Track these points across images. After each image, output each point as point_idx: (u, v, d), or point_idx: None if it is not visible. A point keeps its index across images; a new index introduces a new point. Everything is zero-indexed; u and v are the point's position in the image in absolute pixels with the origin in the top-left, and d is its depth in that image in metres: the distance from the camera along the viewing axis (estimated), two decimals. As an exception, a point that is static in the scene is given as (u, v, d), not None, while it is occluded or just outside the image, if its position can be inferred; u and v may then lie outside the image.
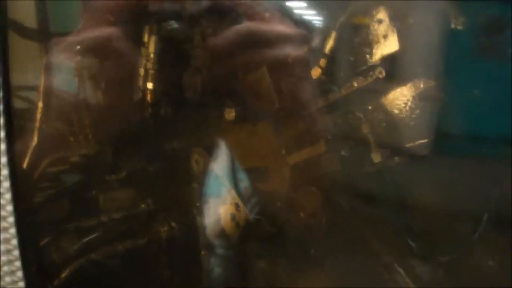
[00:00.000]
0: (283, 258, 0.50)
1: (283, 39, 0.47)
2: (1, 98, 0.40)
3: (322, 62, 0.48)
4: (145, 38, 0.47)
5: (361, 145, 0.49)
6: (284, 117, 0.49)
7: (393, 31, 0.47)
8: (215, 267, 0.53)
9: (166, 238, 0.49)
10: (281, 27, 0.48)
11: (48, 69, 0.48)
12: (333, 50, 0.48)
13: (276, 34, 0.47)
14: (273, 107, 0.47)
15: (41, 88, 0.46)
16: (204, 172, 0.50)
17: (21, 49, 0.47)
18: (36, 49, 0.46)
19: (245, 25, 0.48)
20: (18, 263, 0.43)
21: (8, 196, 0.41)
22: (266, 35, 0.47)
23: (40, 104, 0.45)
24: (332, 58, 0.48)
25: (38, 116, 0.45)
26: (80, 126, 0.48)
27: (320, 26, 0.49)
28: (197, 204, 0.50)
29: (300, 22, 0.49)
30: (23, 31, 0.47)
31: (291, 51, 0.47)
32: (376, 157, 0.48)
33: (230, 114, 0.48)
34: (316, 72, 0.48)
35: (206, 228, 0.51)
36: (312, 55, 0.48)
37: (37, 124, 0.44)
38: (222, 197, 0.50)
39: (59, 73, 0.50)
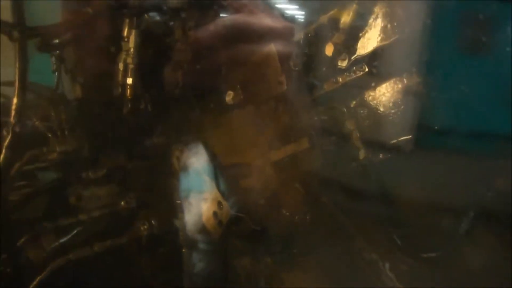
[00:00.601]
0: (266, 255, 0.49)
1: (270, 32, 0.46)
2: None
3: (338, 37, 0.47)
4: (125, 32, 0.45)
5: (345, 141, 0.49)
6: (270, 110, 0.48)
7: (377, 26, 0.46)
8: (197, 263, 0.52)
9: (146, 236, 0.48)
10: (268, 20, 0.47)
11: (24, 64, 0.46)
12: (317, 45, 0.48)
13: (263, 27, 0.46)
14: (281, 89, 0.45)
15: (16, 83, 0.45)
16: (185, 168, 0.49)
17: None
18: (9, 43, 0.44)
19: (231, 18, 0.47)
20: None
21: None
22: (253, 28, 0.46)
23: (15, 100, 0.44)
24: (317, 52, 0.48)
25: (13, 112, 0.43)
26: (57, 122, 0.47)
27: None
28: (178, 201, 0.49)
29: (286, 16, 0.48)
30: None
31: (277, 44, 0.46)
32: (360, 154, 0.48)
33: (230, 96, 0.46)
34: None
35: (188, 224, 0.50)
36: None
37: (12, 119, 0.43)
38: (204, 194, 0.49)
39: (36, 68, 0.49)
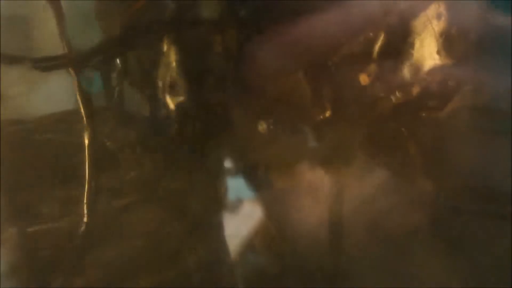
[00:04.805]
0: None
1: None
2: None
3: (372, 67, 0.40)
4: (164, 48, 0.41)
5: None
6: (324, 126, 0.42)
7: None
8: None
9: (194, 266, 0.46)
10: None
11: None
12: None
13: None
14: (319, 116, 0.41)
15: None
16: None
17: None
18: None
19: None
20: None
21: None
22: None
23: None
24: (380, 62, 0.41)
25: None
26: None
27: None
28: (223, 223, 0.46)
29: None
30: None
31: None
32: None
33: (263, 126, 0.43)
34: (364, 78, 0.41)
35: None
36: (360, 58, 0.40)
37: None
38: (253, 215, 0.46)
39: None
